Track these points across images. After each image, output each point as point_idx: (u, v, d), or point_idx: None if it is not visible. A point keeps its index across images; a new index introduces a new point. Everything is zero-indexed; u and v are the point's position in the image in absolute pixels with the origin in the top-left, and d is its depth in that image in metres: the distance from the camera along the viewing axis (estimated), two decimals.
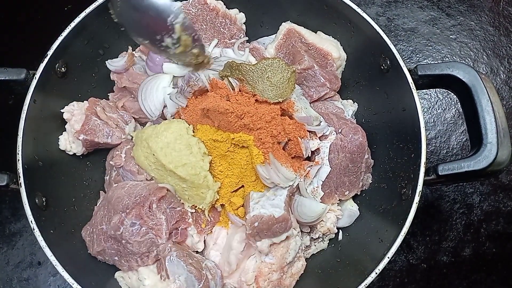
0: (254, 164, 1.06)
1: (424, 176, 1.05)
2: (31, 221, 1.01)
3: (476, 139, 1.08)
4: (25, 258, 1.33)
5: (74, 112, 1.19)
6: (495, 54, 1.56)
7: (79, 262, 1.08)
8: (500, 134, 1.07)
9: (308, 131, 1.15)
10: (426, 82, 1.15)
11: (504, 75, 1.53)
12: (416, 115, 1.10)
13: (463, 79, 1.11)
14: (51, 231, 1.05)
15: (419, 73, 1.13)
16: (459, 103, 1.47)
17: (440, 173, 1.06)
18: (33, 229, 1.01)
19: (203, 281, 1.04)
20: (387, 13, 1.62)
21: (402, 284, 1.34)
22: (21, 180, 1.03)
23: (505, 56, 1.55)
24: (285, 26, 1.30)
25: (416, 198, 1.04)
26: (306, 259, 1.19)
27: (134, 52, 1.27)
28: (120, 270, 1.11)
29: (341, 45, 1.30)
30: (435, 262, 1.35)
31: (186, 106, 1.15)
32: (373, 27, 1.18)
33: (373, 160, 1.24)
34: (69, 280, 0.98)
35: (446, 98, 1.51)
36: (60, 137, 1.19)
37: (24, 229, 1.35)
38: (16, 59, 1.49)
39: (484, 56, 1.56)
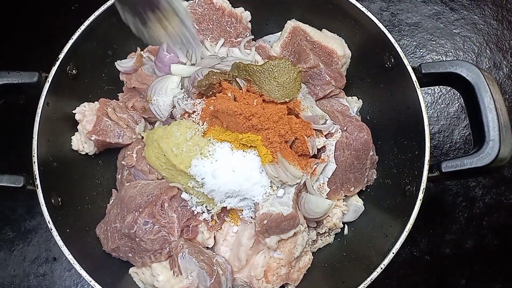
0: (263, 164, 1.09)
1: (428, 173, 1.08)
2: (49, 222, 1.05)
3: (478, 136, 1.10)
4: (41, 254, 1.37)
5: (86, 113, 1.22)
6: (498, 48, 1.57)
7: (95, 259, 1.13)
8: (502, 131, 1.09)
9: (314, 129, 1.18)
10: (430, 80, 1.17)
11: (507, 69, 1.55)
12: (420, 113, 1.12)
13: (466, 77, 1.12)
14: (67, 230, 1.09)
15: (423, 71, 1.14)
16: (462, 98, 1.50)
17: (443, 170, 1.09)
18: (51, 229, 1.04)
19: (215, 276, 1.08)
20: (391, 8, 1.62)
21: (405, 276, 1.38)
22: (38, 181, 1.07)
23: (508, 50, 1.56)
24: (290, 24, 1.32)
25: (420, 195, 1.07)
26: (313, 253, 1.23)
27: (142, 52, 1.29)
28: (134, 266, 1.15)
29: (345, 43, 1.31)
30: (438, 254, 1.39)
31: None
32: (377, 25, 1.19)
33: (377, 157, 1.26)
34: (87, 278, 1.02)
35: (449, 93, 1.53)
36: (72, 137, 1.22)
37: (39, 226, 1.39)
38: (26, 61, 1.51)
39: (487, 50, 1.57)
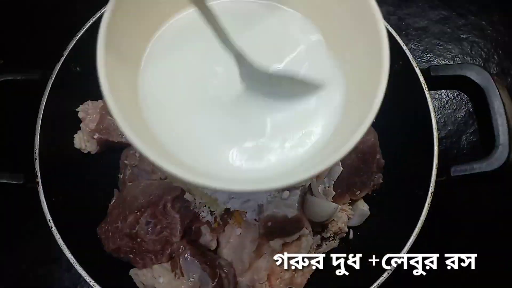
0: None
1: (436, 178, 1.06)
2: (49, 220, 1.03)
3: (488, 141, 1.09)
4: (40, 255, 1.34)
5: (89, 111, 1.20)
6: (506, 54, 1.55)
7: (95, 259, 1.10)
8: None
9: None
10: (438, 83, 1.16)
11: None
12: (428, 117, 1.10)
13: (476, 81, 1.11)
14: (68, 229, 1.07)
15: (432, 74, 1.13)
16: (469, 103, 1.48)
17: (452, 175, 1.07)
18: (51, 228, 1.03)
19: (217, 279, 1.05)
20: (398, 12, 1.62)
21: (411, 284, 1.35)
22: (39, 179, 1.05)
23: None
24: None
25: (428, 200, 1.05)
26: None
27: None
28: (135, 267, 1.13)
29: None
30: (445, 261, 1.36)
31: None
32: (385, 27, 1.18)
33: (384, 160, 1.24)
34: (87, 278, 1.00)
35: (456, 98, 1.51)
36: (75, 136, 1.21)
37: (38, 227, 1.35)
38: (30, 58, 1.49)
39: (495, 56, 1.56)
